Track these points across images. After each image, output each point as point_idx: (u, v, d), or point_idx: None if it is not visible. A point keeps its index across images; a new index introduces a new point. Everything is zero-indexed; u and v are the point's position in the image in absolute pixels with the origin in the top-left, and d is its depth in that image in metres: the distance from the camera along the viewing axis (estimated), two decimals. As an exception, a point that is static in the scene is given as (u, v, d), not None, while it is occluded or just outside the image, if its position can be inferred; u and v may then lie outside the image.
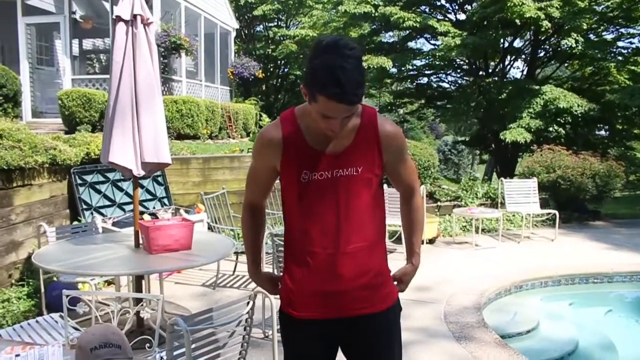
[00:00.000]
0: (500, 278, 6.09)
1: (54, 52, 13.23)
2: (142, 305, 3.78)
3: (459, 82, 17.26)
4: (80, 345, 2.00)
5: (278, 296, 2.16)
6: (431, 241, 7.92)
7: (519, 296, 6.00)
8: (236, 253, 6.00)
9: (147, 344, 2.73)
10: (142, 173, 4.31)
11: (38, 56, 13.23)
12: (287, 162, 1.96)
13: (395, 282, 2.17)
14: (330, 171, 1.92)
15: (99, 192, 6.60)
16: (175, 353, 2.46)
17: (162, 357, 2.64)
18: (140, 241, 4.30)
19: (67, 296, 2.73)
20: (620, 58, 14.56)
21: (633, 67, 14.55)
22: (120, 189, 6.88)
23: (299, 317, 2.04)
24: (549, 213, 8.80)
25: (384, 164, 2.00)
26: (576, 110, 12.23)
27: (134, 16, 4.14)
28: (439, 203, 9.46)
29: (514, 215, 9.29)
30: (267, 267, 5.90)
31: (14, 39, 12.06)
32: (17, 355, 2.07)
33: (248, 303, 2.74)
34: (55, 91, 10.91)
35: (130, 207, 6.92)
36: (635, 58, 14.44)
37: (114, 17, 4.26)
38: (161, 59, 11.98)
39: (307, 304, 2.02)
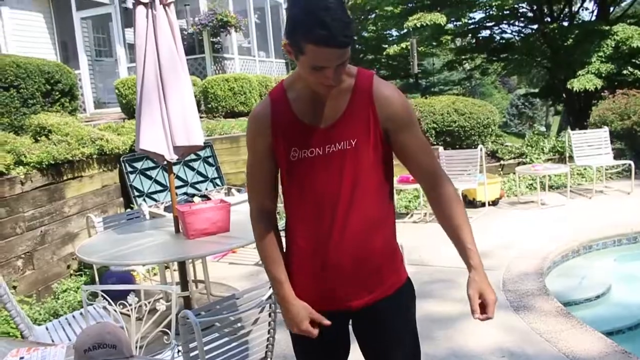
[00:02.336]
0: (567, 239, 5.68)
1: (112, 43, 13.52)
2: (158, 299, 3.73)
3: (524, 31, 16.31)
4: (75, 346, 1.93)
5: None
6: (494, 203, 7.54)
7: (588, 258, 5.57)
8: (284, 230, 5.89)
9: (165, 337, 2.66)
10: (175, 158, 4.25)
11: (97, 48, 13.59)
12: (277, 140, 1.75)
13: (479, 308, 1.73)
14: (322, 147, 1.71)
15: (149, 178, 6.66)
16: (192, 345, 2.37)
17: (179, 350, 2.56)
18: (180, 227, 4.27)
19: (86, 291, 2.69)
20: None
21: None
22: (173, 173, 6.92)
23: None
24: (624, 164, 8.16)
25: (384, 134, 1.73)
26: (654, 49, 11.25)
27: (152, -2, 4.04)
28: (502, 162, 8.99)
29: (585, 169, 8.69)
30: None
31: (74, 34, 12.41)
32: (21, 358, 2.03)
33: (270, 287, 2.61)
34: (114, 81, 11.16)
35: (184, 189, 6.98)
36: None
37: (132, 1, 4.18)
38: (210, 38, 11.99)
39: (305, 293, 1.83)
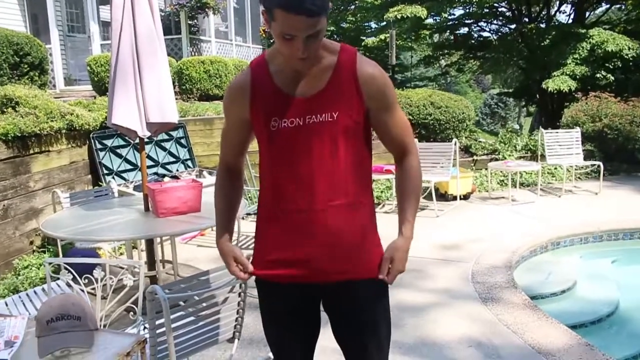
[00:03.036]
0: (535, 234, 5.75)
1: (85, 19, 13.18)
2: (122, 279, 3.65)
3: (502, 30, 16.45)
4: (38, 317, 1.86)
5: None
6: (465, 197, 7.59)
7: (555, 254, 5.65)
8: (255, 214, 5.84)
9: (131, 313, 2.59)
10: (148, 134, 4.16)
11: (69, 24, 13.22)
12: (256, 109, 1.73)
13: (389, 266, 1.83)
14: (302, 117, 1.69)
15: (120, 156, 6.52)
16: (159, 322, 2.31)
17: (145, 327, 2.50)
18: (150, 205, 4.18)
19: (50, 264, 2.61)
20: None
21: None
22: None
23: (269, 279, 1.84)
24: (593, 165, 8.30)
25: (367, 111, 1.72)
26: (627, 54, 11.43)
27: (129, -30, 3.92)
28: (475, 157, 9.06)
29: (555, 168, 8.81)
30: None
31: (45, 7, 12.06)
32: (-22, 329, 1.94)
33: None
34: (86, 58, 10.89)
35: (154, 170, 6.85)
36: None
37: (109, -27, 4.06)
38: (188, 19, 11.78)
39: (279, 265, 1.80)
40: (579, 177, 8.84)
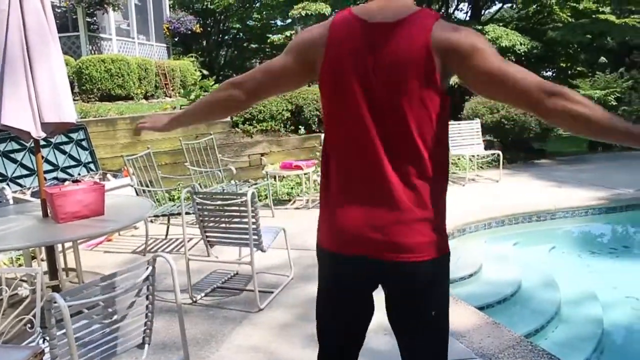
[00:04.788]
0: (443, 222, 5.95)
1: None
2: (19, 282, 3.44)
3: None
4: None
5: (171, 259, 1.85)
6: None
7: (462, 240, 5.88)
8: (167, 215, 5.67)
9: (29, 325, 2.42)
10: (43, 135, 3.90)
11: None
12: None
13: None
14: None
15: (14, 161, 6.10)
16: (60, 332, 2.17)
17: (45, 339, 2.34)
18: (49, 210, 3.94)
19: None
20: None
21: (574, 4, 14.49)
22: (42, 157, 6.39)
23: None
24: (493, 154, 8.72)
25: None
26: (519, 49, 12.13)
27: (14, -42, 3.66)
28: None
29: (459, 159, 9.18)
30: (192, 228, 5.61)
31: None
32: None
33: (147, 269, 2.45)
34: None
35: (54, 174, 6.48)
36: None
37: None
38: (86, 16, 11.27)
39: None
40: (480, 167, 9.26)
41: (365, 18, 1.63)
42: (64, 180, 6.30)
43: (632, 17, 14.02)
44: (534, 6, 15.08)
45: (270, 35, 17.07)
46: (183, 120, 2.08)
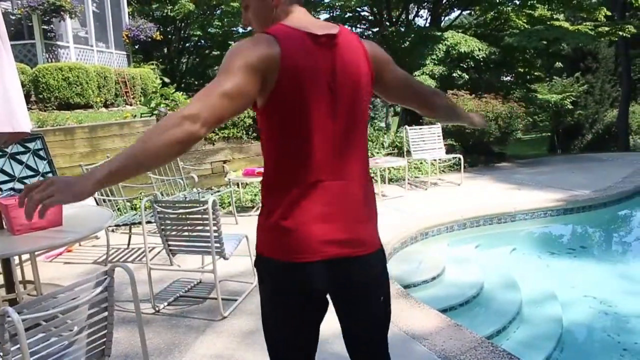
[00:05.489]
0: (405, 227, 6.01)
1: None
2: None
3: (365, 34, 17.11)
4: None
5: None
6: (339, 195, 7.76)
7: (425, 244, 5.95)
8: (129, 224, 5.58)
9: (-19, 341, 2.34)
10: (-4, 145, 3.81)
11: None
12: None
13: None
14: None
15: (-33, 172, 5.93)
16: (14, 348, 2.11)
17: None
18: (4, 222, 3.83)
19: None
20: (517, 2, 14.81)
21: (530, 11, 14.85)
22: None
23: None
24: (455, 157, 8.85)
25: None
26: (477, 55, 12.38)
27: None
28: (346, 156, 9.30)
29: (421, 163, 9.29)
30: (152, 237, 5.54)
31: None
32: None
33: (105, 279, 2.40)
34: None
35: (10, 185, 6.30)
36: (532, 2, 14.72)
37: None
38: (42, 24, 11.02)
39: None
40: (442, 170, 9.39)
41: (311, 31, 1.62)
42: (21, 190, 6.14)
43: (585, 24, 14.45)
44: (492, 13, 15.41)
45: (232, 43, 17.02)
46: (124, 175, 1.45)
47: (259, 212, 1.78)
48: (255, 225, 1.77)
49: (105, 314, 2.48)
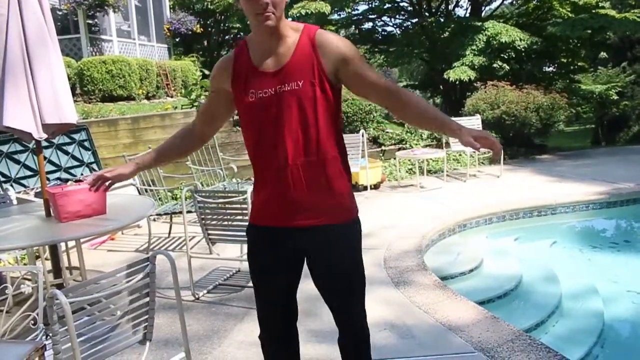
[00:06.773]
0: (443, 219, 5.97)
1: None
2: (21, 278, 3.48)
3: (404, 25, 16.96)
4: None
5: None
6: (375, 186, 7.77)
7: (463, 235, 5.91)
8: (170, 214, 5.71)
9: (32, 322, 2.46)
10: (44, 136, 3.93)
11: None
12: (237, 83, 2.05)
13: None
14: (274, 88, 1.98)
15: (17, 162, 6.15)
16: (63, 329, 2.20)
17: (48, 335, 2.37)
18: (52, 210, 3.97)
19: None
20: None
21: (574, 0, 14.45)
22: (44, 157, 6.44)
23: (259, 225, 2.15)
24: (494, 150, 8.72)
25: (330, 74, 1.98)
26: (519, 45, 12.12)
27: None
28: (383, 147, 9.29)
29: (460, 155, 9.19)
30: (192, 226, 5.64)
31: None
32: None
33: (147, 266, 2.48)
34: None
35: (57, 174, 6.53)
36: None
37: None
38: (87, 18, 11.31)
39: (266, 214, 2.12)
40: (482, 162, 9.27)
41: None
42: (67, 180, 6.35)
43: (633, 11, 13.96)
44: (534, 2, 15.05)
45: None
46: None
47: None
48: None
49: (147, 299, 2.55)
